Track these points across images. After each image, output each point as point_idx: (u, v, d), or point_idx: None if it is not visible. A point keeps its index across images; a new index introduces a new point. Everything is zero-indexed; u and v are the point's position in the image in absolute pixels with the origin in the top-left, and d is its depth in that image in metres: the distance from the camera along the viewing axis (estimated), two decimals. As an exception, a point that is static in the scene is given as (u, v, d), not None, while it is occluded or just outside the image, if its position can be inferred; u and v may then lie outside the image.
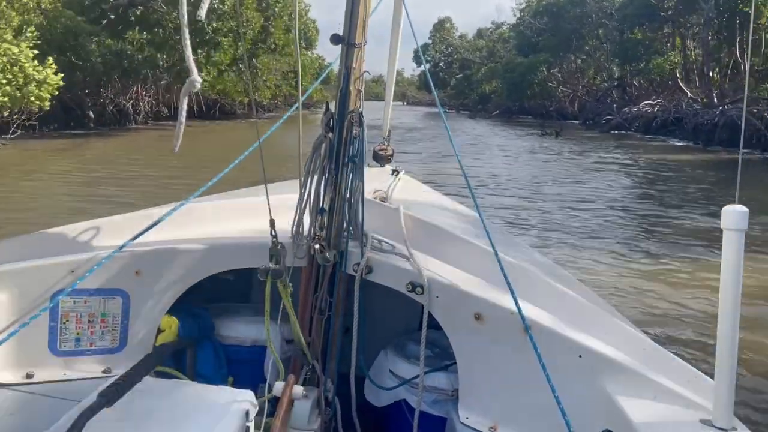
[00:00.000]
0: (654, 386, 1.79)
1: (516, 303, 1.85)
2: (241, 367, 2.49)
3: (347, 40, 2.21)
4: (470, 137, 32.15)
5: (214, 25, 26.04)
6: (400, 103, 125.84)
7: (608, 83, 50.65)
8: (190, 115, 35.74)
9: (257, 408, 1.83)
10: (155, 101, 34.56)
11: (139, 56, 25.51)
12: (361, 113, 2.26)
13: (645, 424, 1.62)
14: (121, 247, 2.07)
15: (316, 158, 2.24)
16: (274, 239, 2.11)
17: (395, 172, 3.88)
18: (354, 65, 2.22)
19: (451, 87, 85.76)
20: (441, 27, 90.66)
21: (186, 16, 1.41)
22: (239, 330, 2.56)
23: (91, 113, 27.85)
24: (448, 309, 2.12)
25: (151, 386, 1.73)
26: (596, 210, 12.73)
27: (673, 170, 20.17)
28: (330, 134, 2.23)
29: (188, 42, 1.41)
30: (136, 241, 2.11)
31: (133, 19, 26.64)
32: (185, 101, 1.49)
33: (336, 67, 2.34)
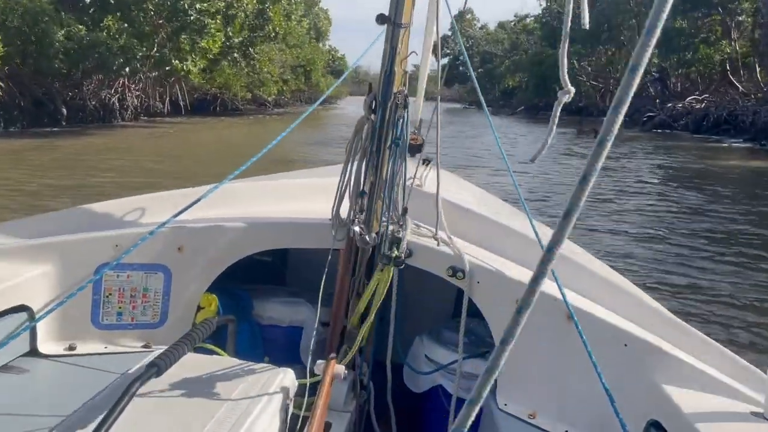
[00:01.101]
0: (703, 377, 1.74)
1: (560, 290, 1.84)
2: (277, 348, 2.52)
3: (393, 20, 2.14)
4: (501, 137, 28.18)
5: (198, 6, 22.27)
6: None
7: (645, 77, 46.36)
8: (177, 112, 32.58)
9: (296, 387, 1.78)
10: (145, 95, 31.05)
11: (115, 45, 21.79)
12: (406, 95, 2.21)
13: (693, 415, 1.57)
14: (164, 223, 2.07)
15: (358, 140, 2.23)
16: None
17: (426, 161, 3.33)
18: (399, 46, 2.17)
19: (472, 82, 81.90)
20: (461, 18, 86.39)
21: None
22: (277, 310, 2.60)
23: (63, 109, 24.32)
24: (489, 295, 2.12)
25: (194, 361, 1.69)
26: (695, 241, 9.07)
27: (746, 179, 16.36)
28: (372, 116, 2.21)
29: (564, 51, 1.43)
30: (178, 218, 2.09)
31: (112, 1, 23.03)
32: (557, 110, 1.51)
33: (363, 52, 2.62)
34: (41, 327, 2.08)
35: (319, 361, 1.89)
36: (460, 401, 2.15)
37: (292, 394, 1.72)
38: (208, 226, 2.30)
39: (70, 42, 21.00)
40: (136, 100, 30.04)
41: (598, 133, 0.61)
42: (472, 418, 0.65)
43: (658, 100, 38.34)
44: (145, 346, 2.23)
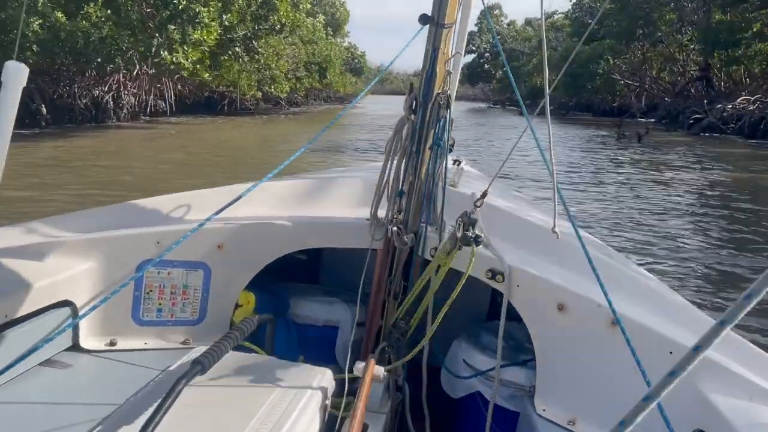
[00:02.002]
0: (750, 386, 1.68)
1: (605, 294, 1.75)
2: (312, 347, 2.49)
3: (436, 20, 2.14)
4: (524, 142, 25.53)
5: (190, -9, 19.65)
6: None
7: (687, 75, 42.93)
8: (182, 111, 30.02)
9: (334, 387, 1.77)
10: (145, 93, 28.60)
11: (97, 36, 19.17)
12: (449, 96, 2.22)
13: (741, 425, 1.54)
14: (206, 221, 2.07)
15: (398, 140, 2.25)
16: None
17: (457, 162, 3.41)
18: (442, 46, 2.17)
19: (497, 80, 78.74)
20: (489, 13, 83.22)
21: None
22: (313, 309, 2.61)
23: (43, 108, 21.87)
24: (530, 298, 2.07)
25: (234, 359, 1.69)
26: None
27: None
28: (413, 116, 2.21)
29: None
30: (219, 216, 2.10)
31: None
32: None
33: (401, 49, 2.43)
34: (83, 322, 2.11)
35: (358, 362, 1.86)
36: (498, 409, 2.14)
37: (330, 394, 1.72)
38: (248, 224, 2.33)
39: (46, 32, 18.46)
40: (133, 99, 27.61)
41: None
42: None
43: (705, 101, 34.89)
44: (184, 343, 2.26)
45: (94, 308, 1.81)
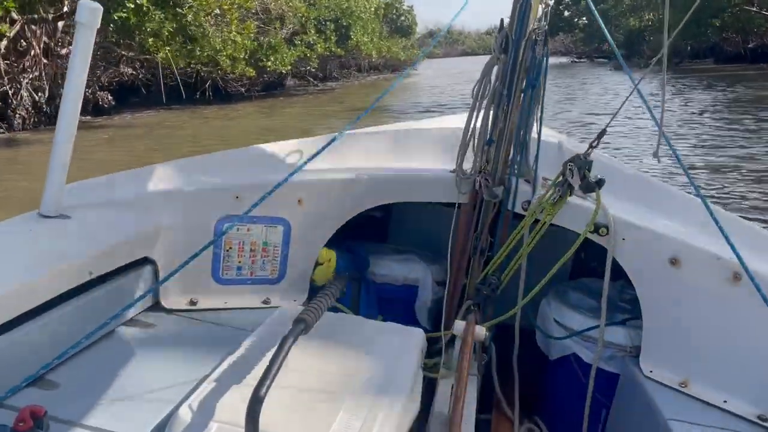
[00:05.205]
0: None
1: (731, 246, 1.61)
2: (390, 306, 2.45)
3: None
4: (631, 115, 14.46)
5: None
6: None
7: None
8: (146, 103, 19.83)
9: (426, 347, 1.75)
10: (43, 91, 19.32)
11: None
12: (546, 31, 2.02)
13: None
14: (290, 176, 2.03)
15: (486, 83, 2.10)
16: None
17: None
18: None
19: (580, 29, 65.50)
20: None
21: None
22: (392, 268, 2.51)
23: None
24: (637, 253, 1.93)
25: (328, 319, 1.66)
26: None
27: None
28: (503, 56, 2.05)
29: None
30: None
31: None
32: None
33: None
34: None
35: (457, 321, 1.81)
36: (600, 372, 2.01)
37: (423, 353, 1.69)
38: (328, 179, 2.25)
39: None
40: (37, 95, 18.40)
41: None
42: None
43: None
44: (264, 302, 2.22)
45: (176, 271, 1.76)
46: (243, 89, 26.44)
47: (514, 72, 2.02)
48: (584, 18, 64.15)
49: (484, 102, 2.09)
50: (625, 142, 12.23)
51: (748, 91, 21.40)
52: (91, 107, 21.03)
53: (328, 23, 28.94)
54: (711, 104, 18.53)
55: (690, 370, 1.84)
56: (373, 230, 2.77)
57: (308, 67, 29.61)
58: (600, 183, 1.89)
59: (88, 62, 1.65)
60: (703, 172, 9.76)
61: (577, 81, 32.41)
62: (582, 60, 63.76)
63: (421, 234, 2.28)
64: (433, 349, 1.85)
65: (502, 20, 2.04)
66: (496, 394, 2.14)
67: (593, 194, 1.97)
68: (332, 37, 29.35)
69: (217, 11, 17.43)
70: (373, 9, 33.37)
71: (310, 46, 28.40)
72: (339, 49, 30.21)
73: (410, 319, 2.31)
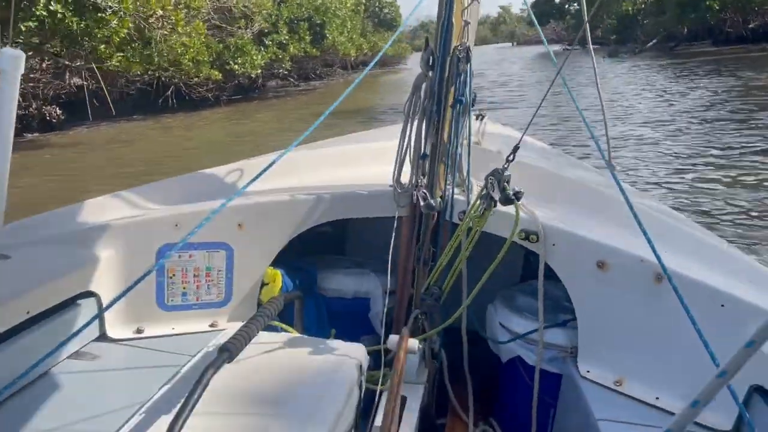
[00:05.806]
0: None
1: (652, 248, 1.64)
2: (343, 320, 2.42)
3: None
4: (634, 119, 12.93)
5: None
6: (509, 44, 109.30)
7: None
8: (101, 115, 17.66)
9: (368, 361, 1.79)
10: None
11: None
12: (468, 48, 2.10)
13: None
14: (226, 202, 1.97)
15: (416, 100, 2.16)
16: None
17: (480, 116, 3.46)
18: None
19: (571, 15, 63.51)
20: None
21: None
22: (342, 282, 2.52)
23: None
24: (567, 258, 2.01)
25: (265, 340, 1.71)
26: None
27: None
28: (430, 73, 2.12)
29: None
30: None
31: None
32: None
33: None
34: (109, 312, 2.08)
35: (391, 336, 1.84)
36: (544, 373, 2.06)
37: (365, 369, 1.70)
38: (268, 201, 2.27)
39: None
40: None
41: None
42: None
43: None
44: (211, 325, 2.22)
45: (118, 299, 1.79)
46: (209, 94, 24.48)
47: (441, 88, 2.10)
48: (575, 4, 62.28)
49: (416, 118, 2.13)
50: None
51: (762, 75, 19.59)
52: (36, 123, 19.29)
53: (300, 23, 26.95)
54: (713, 93, 16.71)
55: (624, 369, 1.88)
56: (328, 244, 2.78)
57: (281, 69, 27.59)
58: (518, 196, 1.95)
59: (15, 109, 1.62)
60: (699, 173, 8.92)
61: (567, 69, 30.69)
62: (575, 47, 61.85)
63: (376, 246, 2.17)
64: (387, 360, 1.90)
65: (427, 39, 2.11)
66: (450, 399, 2.19)
67: (528, 200, 2.03)
68: (306, 37, 27.40)
69: (160, 12, 15.56)
70: (350, 5, 31.24)
71: (282, 46, 26.47)
72: (314, 50, 28.20)
73: (365, 332, 2.32)
